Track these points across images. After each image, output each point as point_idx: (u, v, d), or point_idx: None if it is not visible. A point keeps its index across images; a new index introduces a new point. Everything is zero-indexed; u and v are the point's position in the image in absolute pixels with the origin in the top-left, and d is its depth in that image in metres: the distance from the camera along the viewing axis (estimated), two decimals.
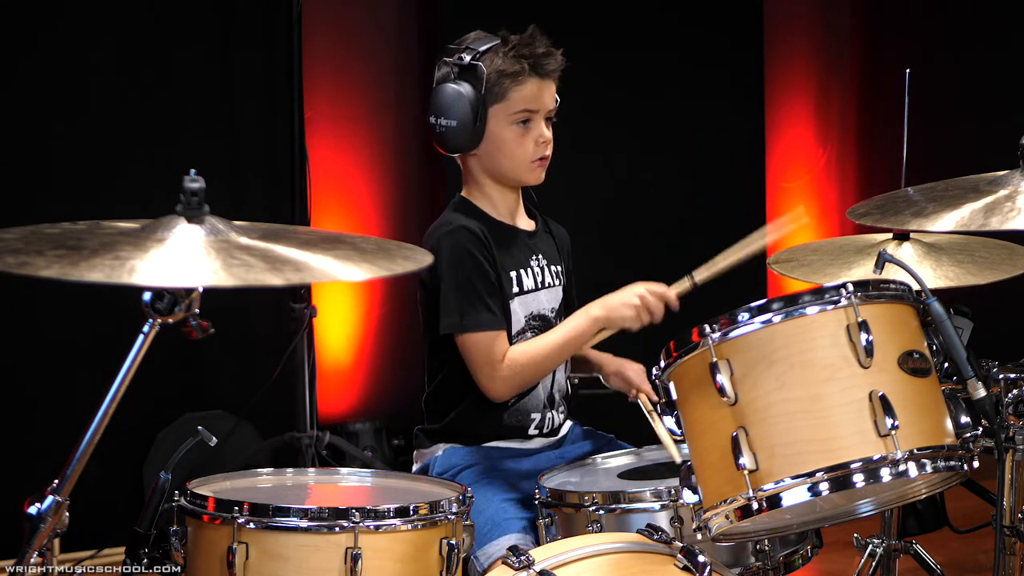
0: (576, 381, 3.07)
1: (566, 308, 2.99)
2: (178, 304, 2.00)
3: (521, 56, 2.87)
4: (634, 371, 3.00)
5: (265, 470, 2.71)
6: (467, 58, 2.86)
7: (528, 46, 2.88)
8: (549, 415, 2.96)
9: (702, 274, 2.85)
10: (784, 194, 5.61)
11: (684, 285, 2.85)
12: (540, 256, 2.99)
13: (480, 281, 2.84)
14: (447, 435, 2.93)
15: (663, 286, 2.83)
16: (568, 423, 3.04)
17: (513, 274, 2.92)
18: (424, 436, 2.97)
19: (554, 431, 2.99)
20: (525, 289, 2.93)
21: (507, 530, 2.73)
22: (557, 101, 2.93)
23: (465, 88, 2.85)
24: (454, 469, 2.87)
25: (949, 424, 2.32)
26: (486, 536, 2.72)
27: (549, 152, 2.93)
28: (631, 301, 2.81)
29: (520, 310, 2.92)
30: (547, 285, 2.98)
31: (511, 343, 2.87)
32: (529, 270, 2.95)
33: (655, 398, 2.94)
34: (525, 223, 3.01)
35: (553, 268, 3.00)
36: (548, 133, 2.92)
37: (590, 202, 4.99)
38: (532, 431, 2.95)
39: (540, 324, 2.94)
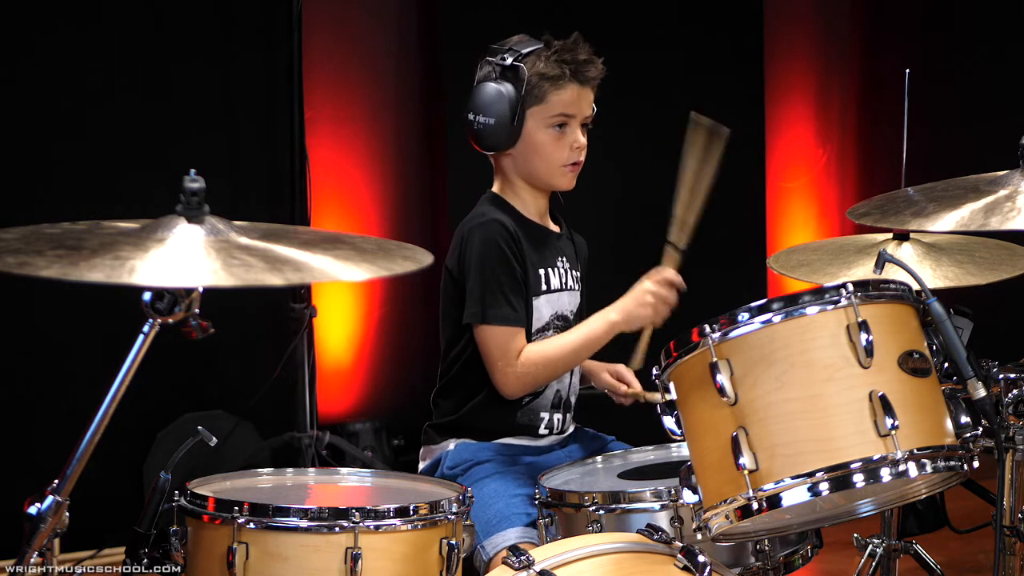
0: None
1: (580, 316, 3.00)
2: (178, 304, 2.00)
3: (563, 61, 2.90)
4: (623, 367, 3.03)
5: (265, 470, 2.71)
6: (509, 59, 2.88)
7: (570, 52, 2.91)
8: (557, 416, 2.97)
9: (681, 240, 2.84)
10: (784, 194, 5.61)
11: (674, 257, 2.84)
12: (564, 259, 3.00)
13: (505, 276, 2.85)
14: (459, 430, 2.93)
15: (665, 270, 2.83)
16: (572, 424, 3.04)
17: (542, 272, 2.93)
18: (434, 432, 2.97)
19: (563, 430, 3.00)
20: (552, 288, 2.94)
21: (515, 523, 2.74)
22: (594, 110, 2.95)
23: (506, 88, 2.88)
24: (466, 464, 2.88)
25: (949, 424, 2.32)
26: (494, 528, 2.73)
27: (582, 158, 2.95)
28: (645, 300, 2.82)
29: (546, 307, 2.93)
30: (569, 288, 2.99)
31: (533, 339, 2.88)
32: (555, 270, 2.96)
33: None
34: (552, 226, 3.02)
35: (574, 273, 3.02)
36: (583, 139, 2.94)
37: (588, 201, 4.97)
38: (543, 430, 2.95)
39: (563, 325, 2.95)
